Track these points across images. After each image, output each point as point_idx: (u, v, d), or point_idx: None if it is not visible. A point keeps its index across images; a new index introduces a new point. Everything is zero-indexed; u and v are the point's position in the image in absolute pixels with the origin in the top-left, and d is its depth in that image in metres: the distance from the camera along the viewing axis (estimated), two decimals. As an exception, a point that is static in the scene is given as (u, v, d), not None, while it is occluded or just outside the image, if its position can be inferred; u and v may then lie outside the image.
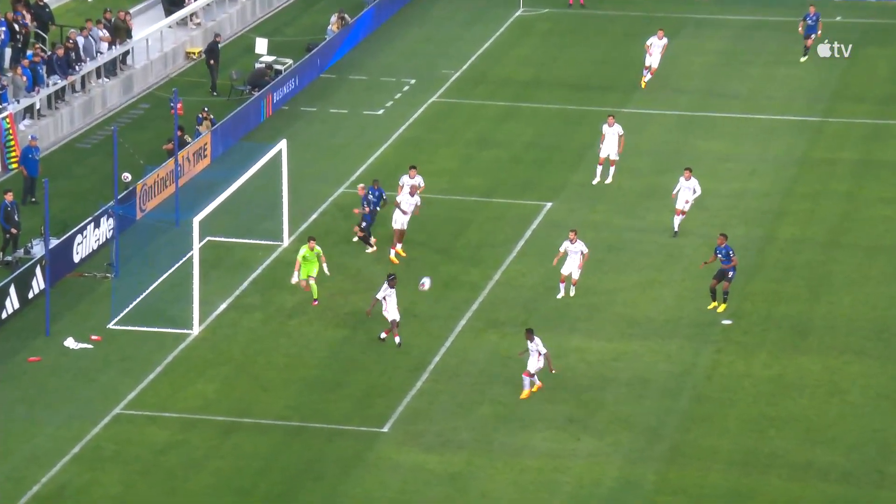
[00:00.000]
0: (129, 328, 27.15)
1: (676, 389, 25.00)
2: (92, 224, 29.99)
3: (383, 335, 26.18)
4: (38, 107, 36.07)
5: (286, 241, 30.58)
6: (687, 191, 30.70)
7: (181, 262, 29.24)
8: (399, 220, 29.78)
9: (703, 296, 28.29)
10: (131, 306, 27.92)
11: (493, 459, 22.14)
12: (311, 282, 27.41)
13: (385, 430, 23.47)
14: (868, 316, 28.00)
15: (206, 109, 36.71)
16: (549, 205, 33.34)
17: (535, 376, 24.23)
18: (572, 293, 28.10)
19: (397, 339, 25.90)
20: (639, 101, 40.56)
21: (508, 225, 32.29)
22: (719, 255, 27.44)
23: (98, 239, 30.17)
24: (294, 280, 27.47)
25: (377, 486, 21.71)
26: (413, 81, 42.03)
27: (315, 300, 27.60)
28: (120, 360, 25.91)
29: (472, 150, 37.37)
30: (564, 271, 28.02)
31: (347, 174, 35.00)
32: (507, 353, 25.97)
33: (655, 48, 40.38)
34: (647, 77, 40.60)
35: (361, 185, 30.83)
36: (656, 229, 31.84)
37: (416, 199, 30.14)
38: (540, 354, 23.96)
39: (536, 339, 24.00)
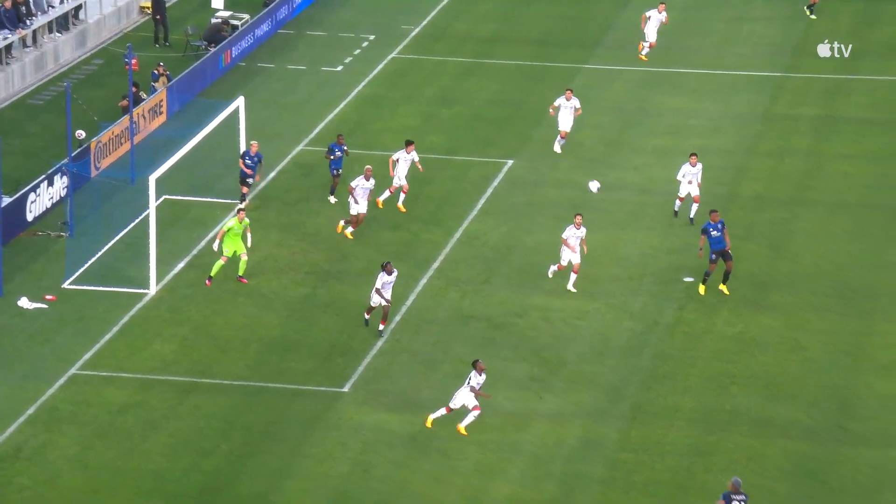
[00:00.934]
0: (85, 288, 26.68)
1: (638, 347, 24.92)
2: (45, 182, 29.38)
3: (367, 316, 25.08)
4: (-13, 62, 35.29)
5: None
6: (694, 177, 29.08)
7: (137, 220, 28.80)
8: (356, 208, 28.38)
9: (667, 252, 28.24)
10: (86, 266, 27.44)
11: (455, 419, 21.95)
12: (244, 258, 26.44)
13: (345, 389, 23.22)
14: (830, 273, 28.06)
15: (161, 65, 36.03)
16: (510, 162, 33.02)
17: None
18: (572, 285, 26.56)
19: (381, 326, 24.81)
20: (601, 58, 40.24)
21: (470, 183, 32.00)
22: (713, 232, 26.12)
23: (52, 197, 29.61)
24: (216, 247, 26.60)
25: (338, 446, 21.48)
26: (372, 37, 41.46)
27: (242, 278, 26.64)
28: (75, 320, 25.48)
29: (432, 107, 36.96)
30: (564, 261, 26.41)
31: (306, 132, 34.53)
32: (469, 312, 25.77)
33: (653, 22, 39.11)
34: (646, 50, 39.35)
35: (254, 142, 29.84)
36: (620, 186, 31.66)
37: (371, 181, 28.23)
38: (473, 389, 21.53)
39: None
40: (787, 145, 34.67)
